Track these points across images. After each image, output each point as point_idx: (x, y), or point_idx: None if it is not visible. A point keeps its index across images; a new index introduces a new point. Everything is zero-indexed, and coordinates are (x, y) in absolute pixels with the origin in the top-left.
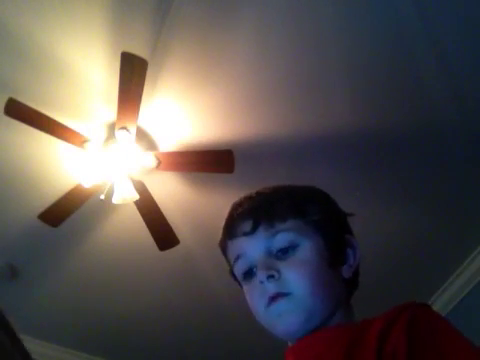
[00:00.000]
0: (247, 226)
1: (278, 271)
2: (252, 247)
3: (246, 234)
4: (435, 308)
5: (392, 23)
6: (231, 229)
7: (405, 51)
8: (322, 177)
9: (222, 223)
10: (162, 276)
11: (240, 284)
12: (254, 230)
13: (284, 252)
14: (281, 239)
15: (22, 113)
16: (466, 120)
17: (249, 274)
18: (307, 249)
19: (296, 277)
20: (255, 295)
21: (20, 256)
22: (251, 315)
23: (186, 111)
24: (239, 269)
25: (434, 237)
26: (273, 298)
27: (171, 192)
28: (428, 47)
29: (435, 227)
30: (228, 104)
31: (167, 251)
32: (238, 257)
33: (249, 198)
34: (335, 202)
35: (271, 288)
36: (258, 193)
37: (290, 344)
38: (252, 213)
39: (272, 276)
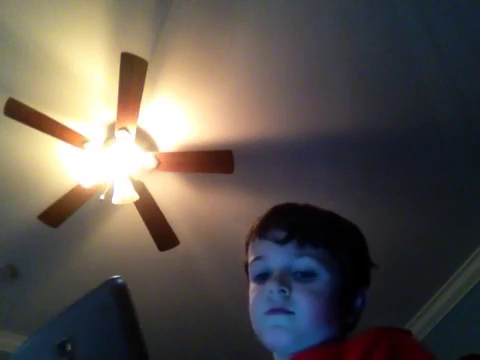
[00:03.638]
0: (280, 235)
1: (290, 289)
2: (276, 257)
3: (276, 242)
4: (435, 308)
5: (392, 23)
6: (264, 229)
7: (405, 51)
8: (322, 177)
9: (221, 223)
10: (162, 276)
11: (248, 278)
12: (284, 242)
13: (302, 276)
14: (305, 263)
15: (22, 113)
16: (466, 120)
17: (262, 277)
18: (324, 282)
19: (303, 302)
20: (260, 299)
21: (20, 256)
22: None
23: (186, 111)
24: (255, 269)
25: (434, 237)
26: (275, 310)
27: (171, 192)
28: (428, 47)
29: (435, 227)
30: (228, 104)
31: (167, 251)
32: (259, 258)
33: (293, 208)
34: (368, 250)
35: (278, 300)
36: (304, 208)
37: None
38: (290, 225)
39: (283, 291)
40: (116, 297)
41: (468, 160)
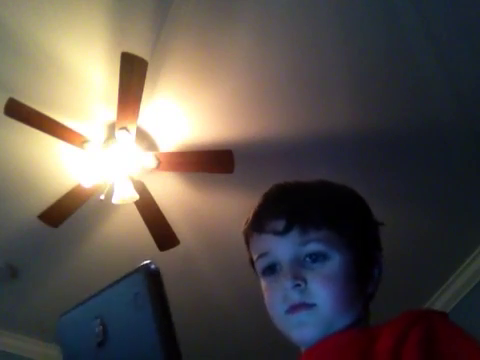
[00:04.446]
0: (279, 225)
1: (304, 280)
2: (281, 249)
3: (276, 233)
4: (435, 308)
5: (392, 23)
6: (261, 223)
7: (405, 51)
8: (322, 177)
9: (221, 223)
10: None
11: (255, 272)
12: (286, 232)
13: (313, 261)
14: (312, 248)
15: (22, 113)
16: (466, 120)
17: (270, 269)
18: (336, 263)
19: (322, 290)
20: (276, 297)
21: (20, 256)
22: (251, 315)
23: (186, 111)
24: (261, 265)
25: (434, 237)
26: (296, 307)
27: (171, 192)
28: (428, 47)
29: (435, 227)
30: (228, 104)
31: (167, 251)
32: (263, 255)
33: (284, 193)
34: (370, 212)
35: (296, 297)
36: (296, 188)
37: (303, 349)
38: (286, 213)
39: (298, 285)
40: (149, 286)
41: (468, 160)
